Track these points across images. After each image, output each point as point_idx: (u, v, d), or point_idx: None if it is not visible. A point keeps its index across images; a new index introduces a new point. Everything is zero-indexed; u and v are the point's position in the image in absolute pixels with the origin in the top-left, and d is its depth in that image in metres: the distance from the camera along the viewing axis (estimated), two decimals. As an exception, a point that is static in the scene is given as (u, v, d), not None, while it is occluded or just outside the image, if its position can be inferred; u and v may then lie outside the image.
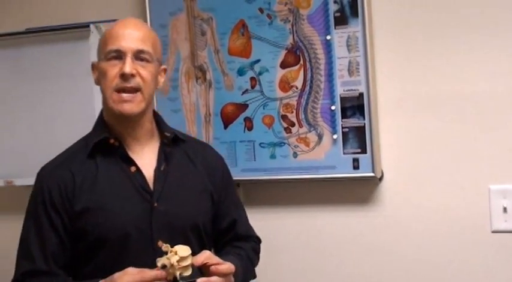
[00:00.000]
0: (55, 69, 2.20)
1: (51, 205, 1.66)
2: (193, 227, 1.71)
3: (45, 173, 1.73)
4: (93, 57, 2.16)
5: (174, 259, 1.49)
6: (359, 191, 2.05)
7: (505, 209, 1.93)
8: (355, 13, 1.96)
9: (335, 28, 1.99)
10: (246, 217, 1.90)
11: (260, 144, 2.08)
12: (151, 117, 1.75)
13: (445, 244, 1.98)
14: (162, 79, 1.76)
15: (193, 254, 1.54)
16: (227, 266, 1.58)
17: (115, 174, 1.67)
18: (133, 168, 1.68)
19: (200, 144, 1.88)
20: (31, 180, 2.25)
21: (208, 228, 1.76)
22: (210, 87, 2.12)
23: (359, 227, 2.06)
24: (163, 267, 1.51)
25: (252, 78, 2.08)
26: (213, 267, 1.54)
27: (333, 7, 1.98)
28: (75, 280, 1.67)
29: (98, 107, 2.18)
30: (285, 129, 2.06)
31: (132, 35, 1.66)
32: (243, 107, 2.09)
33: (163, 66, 1.77)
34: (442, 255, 1.98)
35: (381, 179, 2.03)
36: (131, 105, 1.63)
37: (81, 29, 2.18)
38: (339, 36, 1.99)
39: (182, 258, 1.50)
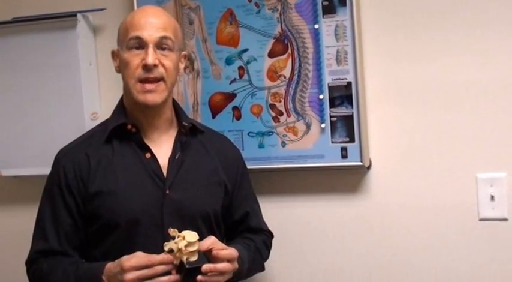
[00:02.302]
0: (42, 58, 2.18)
1: (66, 186, 1.68)
2: (204, 216, 1.72)
3: (62, 155, 1.75)
4: (81, 47, 2.18)
5: (181, 244, 1.50)
6: (347, 179, 2.06)
7: (492, 197, 1.93)
8: (343, 2, 1.95)
9: (323, 17, 1.98)
10: (259, 211, 1.92)
11: (248, 133, 2.08)
12: (171, 106, 1.77)
13: (433, 232, 1.99)
14: (182, 65, 1.78)
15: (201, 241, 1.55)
16: (229, 252, 1.61)
17: (129, 160, 1.69)
18: (148, 155, 1.70)
19: (218, 136, 1.90)
20: (19, 171, 2.27)
21: (219, 219, 1.77)
22: (197, 76, 2.11)
23: (347, 215, 2.06)
24: (170, 251, 1.52)
25: (240, 68, 2.07)
26: (214, 252, 1.56)
27: (321, -4, 1.98)
28: (85, 262, 1.69)
29: (86, 96, 2.19)
30: (273, 118, 2.05)
31: (153, 24, 1.66)
32: (231, 96, 2.09)
33: (184, 53, 1.78)
34: (430, 243, 1.99)
35: (369, 167, 2.03)
36: (154, 95, 1.66)
37: (68, 18, 2.16)
38: (326, 25, 1.98)
39: (189, 244, 1.51)
